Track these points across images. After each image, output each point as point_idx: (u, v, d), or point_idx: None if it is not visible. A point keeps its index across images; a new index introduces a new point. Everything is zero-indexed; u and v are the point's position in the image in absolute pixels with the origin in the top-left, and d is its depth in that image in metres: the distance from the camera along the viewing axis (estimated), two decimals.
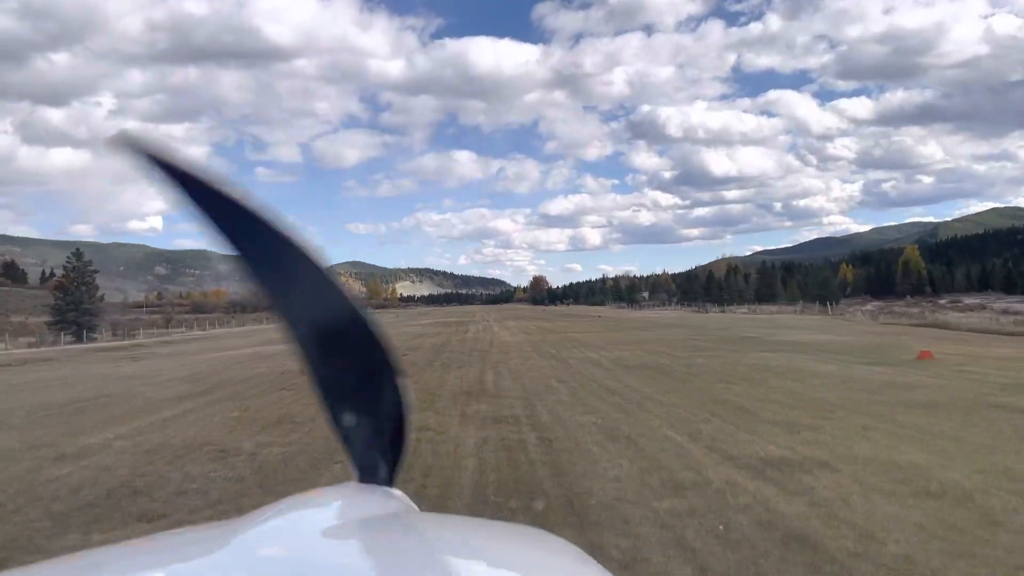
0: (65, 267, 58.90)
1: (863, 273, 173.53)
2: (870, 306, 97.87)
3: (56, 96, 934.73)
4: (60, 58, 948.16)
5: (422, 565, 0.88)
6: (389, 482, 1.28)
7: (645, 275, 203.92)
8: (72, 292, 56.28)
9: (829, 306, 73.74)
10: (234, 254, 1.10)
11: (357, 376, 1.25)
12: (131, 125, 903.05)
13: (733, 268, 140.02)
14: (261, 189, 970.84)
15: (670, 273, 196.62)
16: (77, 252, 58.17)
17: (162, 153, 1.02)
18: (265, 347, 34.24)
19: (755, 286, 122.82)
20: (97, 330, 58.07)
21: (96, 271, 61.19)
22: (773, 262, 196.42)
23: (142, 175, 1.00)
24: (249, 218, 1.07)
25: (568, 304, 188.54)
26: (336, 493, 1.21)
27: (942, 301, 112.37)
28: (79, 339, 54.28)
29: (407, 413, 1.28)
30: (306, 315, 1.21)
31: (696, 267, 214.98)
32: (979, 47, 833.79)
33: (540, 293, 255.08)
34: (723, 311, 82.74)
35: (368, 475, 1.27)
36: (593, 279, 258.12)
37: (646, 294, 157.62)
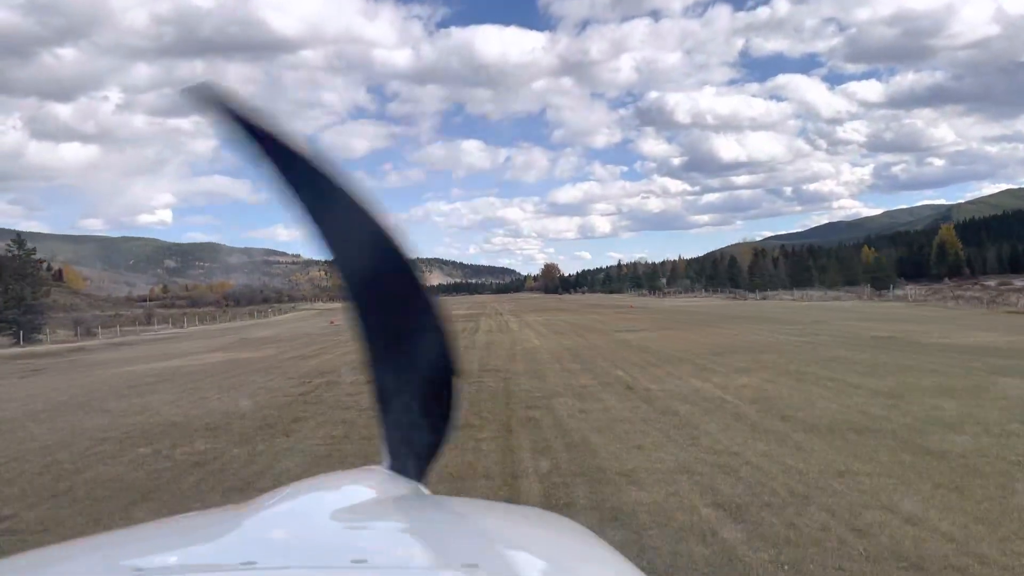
0: (2, 257, 49.68)
1: (891, 255, 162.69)
2: (910, 289, 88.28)
3: (63, 91, 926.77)
4: (66, 53, 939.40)
5: (433, 547, 0.88)
6: (418, 478, 1.25)
7: (659, 261, 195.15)
8: (11, 287, 47.08)
9: (889, 290, 63.92)
10: (306, 214, 1.11)
11: (413, 367, 1.22)
12: (138, 119, 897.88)
13: (759, 252, 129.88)
14: (268, 182, 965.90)
15: (685, 259, 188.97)
16: (18, 239, 48.99)
17: (238, 108, 1.04)
18: (204, 357, 25.22)
19: (787, 271, 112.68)
20: (42, 330, 48.93)
21: (43, 260, 52.00)
22: (792, 247, 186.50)
23: (218, 129, 1.00)
24: (321, 179, 1.07)
25: (583, 292, 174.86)
26: (346, 477, 1.21)
27: (990, 283, 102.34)
28: (19, 341, 45.43)
29: (453, 416, 1.26)
30: (374, 293, 1.22)
31: (711, 252, 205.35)
32: (990, 27, 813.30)
33: (552, 281, 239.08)
34: (764, 298, 72.84)
35: (398, 466, 1.25)
36: (604, 266, 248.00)
37: (663, 281, 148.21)
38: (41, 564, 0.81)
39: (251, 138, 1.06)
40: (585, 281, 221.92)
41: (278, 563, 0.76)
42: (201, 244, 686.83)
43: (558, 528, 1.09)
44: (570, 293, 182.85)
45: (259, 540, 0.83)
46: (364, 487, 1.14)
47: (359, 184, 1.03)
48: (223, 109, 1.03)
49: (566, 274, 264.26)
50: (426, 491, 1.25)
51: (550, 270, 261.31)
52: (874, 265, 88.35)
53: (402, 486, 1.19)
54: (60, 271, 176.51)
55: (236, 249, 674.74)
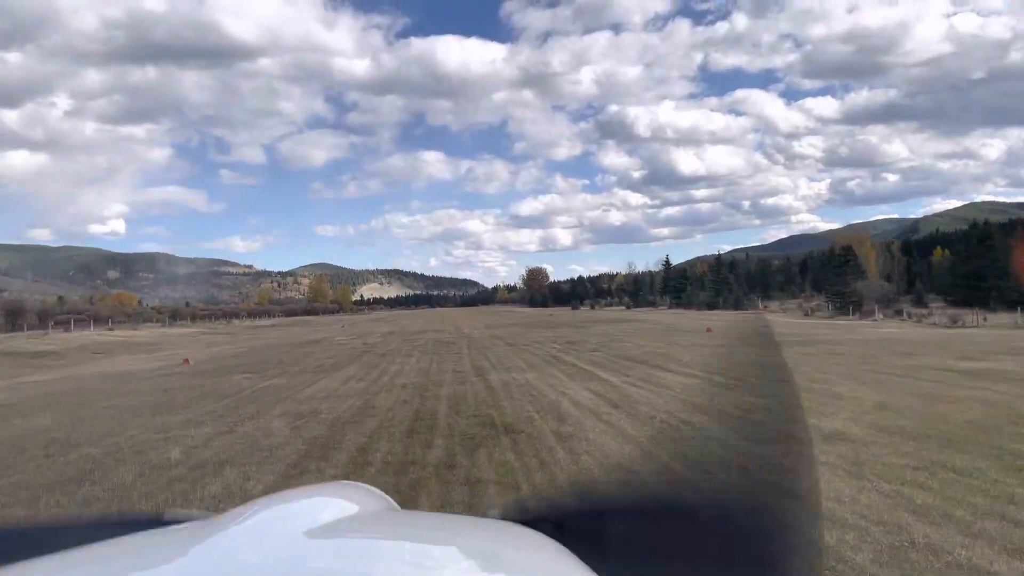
0: None
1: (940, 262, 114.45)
2: None
3: (9, 97, 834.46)
4: (12, 57, 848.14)
5: (400, 563, 0.84)
6: None
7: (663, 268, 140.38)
8: None
9: None
10: None
11: None
12: (89, 126, 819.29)
13: (886, 247, 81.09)
14: (225, 192, 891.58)
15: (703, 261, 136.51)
16: None
17: None
18: None
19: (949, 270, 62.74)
20: None
21: None
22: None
23: None
24: None
25: (626, 306, 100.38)
26: (314, 491, 1.16)
27: None
28: None
29: None
30: None
31: (734, 250, 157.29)
32: (942, 46, 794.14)
33: (539, 291, 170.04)
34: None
35: None
36: (576, 276, 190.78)
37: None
38: None
39: None
40: (584, 290, 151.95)
41: None
42: (146, 254, 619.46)
43: (524, 541, 1.03)
44: (589, 307, 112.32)
45: (225, 560, 0.79)
46: (334, 502, 1.07)
47: None
48: None
49: (554, 280, 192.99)
50: (397, 506, 1.19)
51: (536, 276, 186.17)
52: None
53: (373, 501, 1.13)
54: None
55: (183, 259, 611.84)
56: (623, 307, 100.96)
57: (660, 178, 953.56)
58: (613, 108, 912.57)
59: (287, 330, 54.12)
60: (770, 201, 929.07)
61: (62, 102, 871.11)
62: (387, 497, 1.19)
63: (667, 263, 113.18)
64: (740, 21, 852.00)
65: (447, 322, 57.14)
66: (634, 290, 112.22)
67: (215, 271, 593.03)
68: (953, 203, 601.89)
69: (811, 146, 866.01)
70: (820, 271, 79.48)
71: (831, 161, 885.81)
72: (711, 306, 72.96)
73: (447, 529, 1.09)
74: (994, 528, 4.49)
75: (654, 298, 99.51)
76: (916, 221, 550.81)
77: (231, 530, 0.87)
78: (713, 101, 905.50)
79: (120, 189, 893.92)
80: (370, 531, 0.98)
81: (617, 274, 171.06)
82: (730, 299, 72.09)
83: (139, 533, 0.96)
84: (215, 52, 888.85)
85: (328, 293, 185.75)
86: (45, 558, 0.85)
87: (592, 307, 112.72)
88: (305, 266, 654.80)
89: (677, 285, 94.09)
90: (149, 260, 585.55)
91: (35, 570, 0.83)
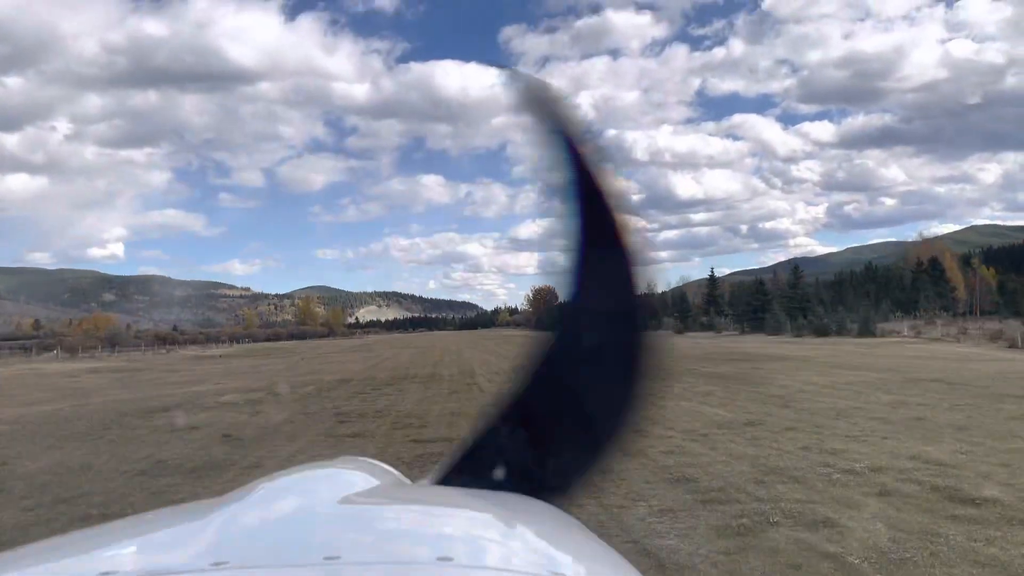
0: None
1: None
2: None
3: (9, 121, 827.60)
4: (12, 81, 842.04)
5: (407, 540, 0.85)
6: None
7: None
8: None
9: None
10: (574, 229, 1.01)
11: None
12: (89, 150, 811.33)
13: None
14: (225, 215, 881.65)
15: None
16: None
17: (555, 105, 0.87)
18: None
19: None
20: None
21: None
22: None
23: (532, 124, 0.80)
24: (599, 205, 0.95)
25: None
26: (322, 467, 1.16)
27: None
28: None
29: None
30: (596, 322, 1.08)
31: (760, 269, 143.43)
32: (938, 71, 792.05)
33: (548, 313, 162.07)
34: None
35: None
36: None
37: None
38: (2, 569, 0.74)
39: (558, 141, 0.89)
40: None
41: (250, 562, 0.71)
42: (142, 277, 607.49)
43: (539, 516, 1.01)
44: None
45: (232, 538, 0.78)
46: (341, 478, 1.07)
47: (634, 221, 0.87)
48: (539, 103, 0.86)
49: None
50: (406, 480, 1.19)
51: (544, 296, 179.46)
52: None
53: (380, 475, 1.12)
54: None
55: (179, 282, 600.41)
56: (670, 331, 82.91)
57: (658, 202, 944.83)
58: (611, 132, 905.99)
59: (222, 365, 39.89)
60: (768, 225, 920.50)
61: (62, 126, 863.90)
62: (396, 472, 1.18)
63: (712, 277, 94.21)
64: (737, 47, 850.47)
65: (448, 356, 38.88)
66: (683, 310, 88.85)
67: (211, 293, 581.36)
68: (950, 227, 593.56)
69: (808, 170, 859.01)
70: (903, 287, 66.26)
71: (828, 185, 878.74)
72: (820, 331, 51.62)
73: (454, 503, 1.08)
74: None
75: (709, 320, 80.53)
76: (918, 245, 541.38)
77: (234, 510, 0.86)
78: (711, 125, 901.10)
79: (119, 213, 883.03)
80: (375, 507, 0.97)
81: None
82: (856, 320, 50.26)
83: (154, 511, 0.95)
84: (215, 76, 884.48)
85: (318, 315, 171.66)
86: (70, 534, 0.86)
87: None
88: (303, 288, 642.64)
89: (755, 303, 70.35)
90: (144, 283, 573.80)
91: (63, 545, 0.84)
